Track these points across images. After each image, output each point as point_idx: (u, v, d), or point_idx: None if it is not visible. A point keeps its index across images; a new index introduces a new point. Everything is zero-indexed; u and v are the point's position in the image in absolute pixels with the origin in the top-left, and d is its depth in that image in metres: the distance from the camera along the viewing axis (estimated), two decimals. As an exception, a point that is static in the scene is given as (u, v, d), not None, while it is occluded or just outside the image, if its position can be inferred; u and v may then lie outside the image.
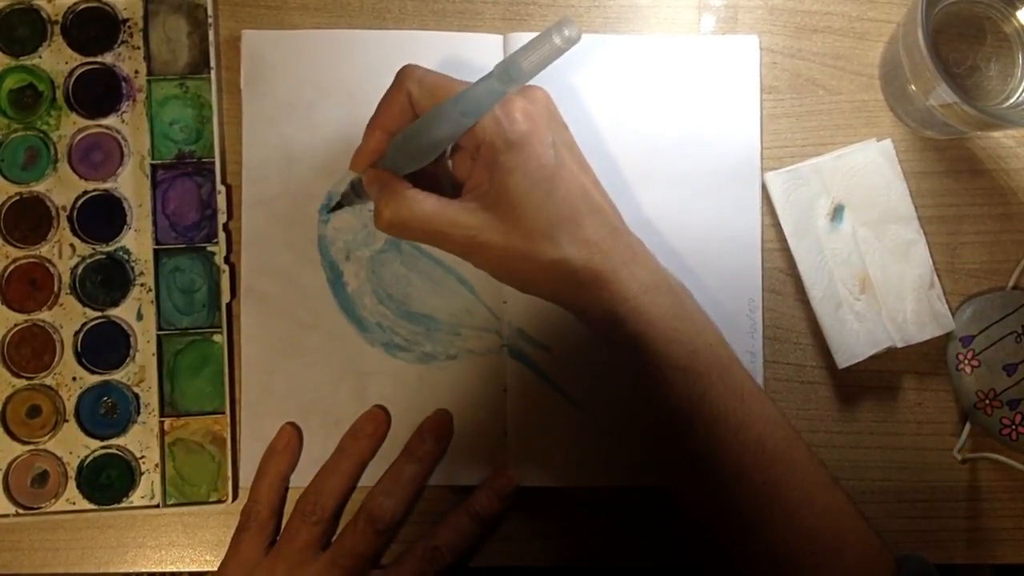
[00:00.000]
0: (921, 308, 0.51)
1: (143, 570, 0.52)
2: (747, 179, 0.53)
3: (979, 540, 0.53)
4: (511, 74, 0.39)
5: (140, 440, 0.52)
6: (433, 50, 0.53)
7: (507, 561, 0.53)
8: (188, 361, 0.52)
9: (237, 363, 0.52)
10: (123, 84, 0.53)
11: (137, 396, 0.52)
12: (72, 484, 0.51)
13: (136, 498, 0.52)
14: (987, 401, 0.51)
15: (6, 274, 0.52)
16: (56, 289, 0.52)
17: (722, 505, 0.44)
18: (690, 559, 0.51)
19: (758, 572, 0.44)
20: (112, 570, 0.52)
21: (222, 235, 0.52)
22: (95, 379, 0.52)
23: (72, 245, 0.52)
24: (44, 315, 0.52)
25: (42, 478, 0.52)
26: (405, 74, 0.43)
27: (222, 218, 0.52)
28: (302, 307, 0.53)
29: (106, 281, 0.52)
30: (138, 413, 0.52)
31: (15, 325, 0.52)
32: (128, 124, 0.53)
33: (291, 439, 0.52)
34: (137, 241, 0.52)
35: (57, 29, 0.52)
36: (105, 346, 0.52)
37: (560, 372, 0.52)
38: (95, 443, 0.52)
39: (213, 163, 0.52)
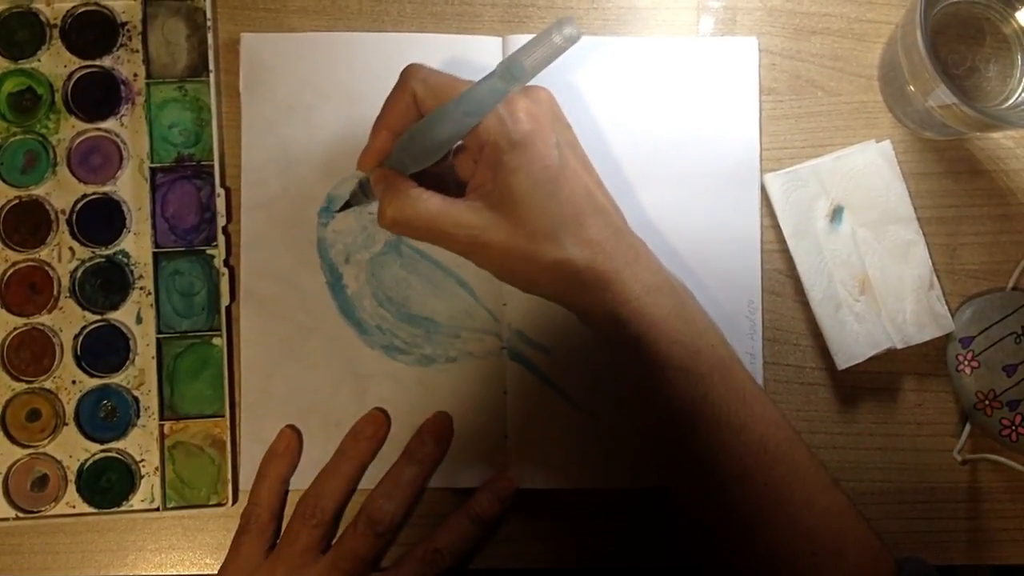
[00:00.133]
0: (921, 309, 0.51)
1: (143, 574, 0.52)
2: (746, 180, 0.53)
3: (979, 541, 0.53)
4: (513, 73, 0.40)
5: (140, 443, 0.52)
6: (432, 52, 0.53)
7: (507, 563, 0.53)
8: (188, 364, 0.52)
9: (237, 366, 0.52)
10: (122, 87, 0.53)
11: (137, 399, 0.52)
12: (72, 488, 0.51)
13: (136, 501, 0.52)
14: (987, 402, 0.51)
15: (5, 278, 0.52)
16: (55, 293, 0.52)
17: (723, 506, 0.44)
18: (690, 560, 0.51)
19: (758, 573, 0.44)
20: (112, 573, 0.52)
21: (221, 238, 0.52)
22: (95, 382, 0.52)
23: (71, 248, 0.52)
24: (44, 319, 0.52)
25: (42, 482, 0.52)
26: (409, 74, 0.43)
27: (221, 221, 0.52)
28: (302, 310, 0.53)
29: (105, 284, 0.52)
30: (138, 416, 0.52)
31: (15, 329, 0.52)
32: (127, 127, 0.53)
33: (291, 442, 0.52)
34: (136, 244, 0.52)
35: (56, 33, 0.52)
36: (105, 349, 0.52)
37: (560, 374, 0.52)
38: (95, 446, 0.52)
39: (212, 166, 0.52)
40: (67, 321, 0.52)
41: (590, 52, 0.53)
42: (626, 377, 0.46)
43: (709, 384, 0.43)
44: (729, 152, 0.53)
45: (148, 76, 0.53)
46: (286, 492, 0.52)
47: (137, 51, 0.53)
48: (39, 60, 0.52)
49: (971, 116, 0.46)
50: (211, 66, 0.52)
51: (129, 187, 0.53)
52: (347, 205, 0.49)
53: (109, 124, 0.53)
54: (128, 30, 0.53)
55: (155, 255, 0.52)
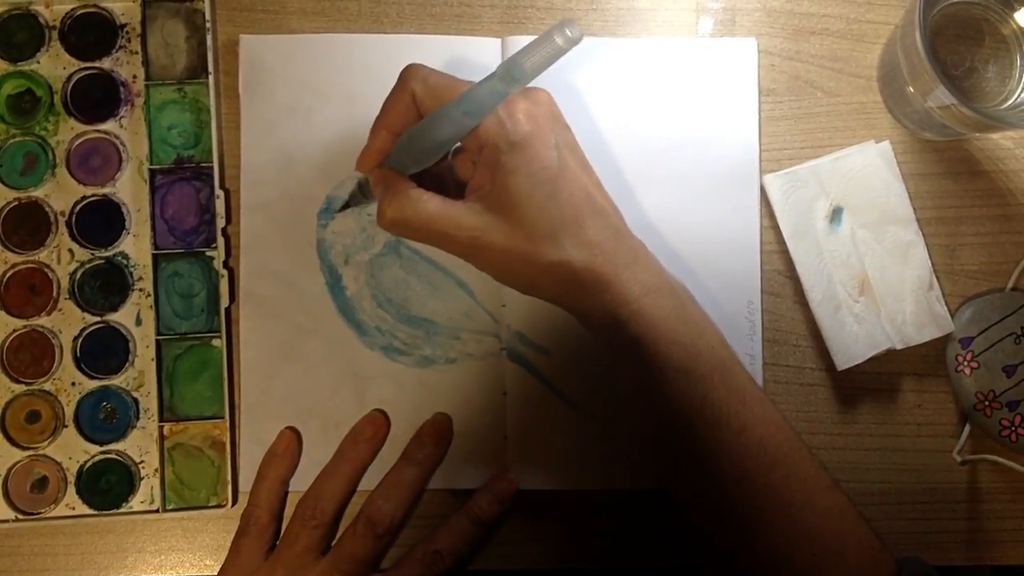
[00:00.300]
0: (920, 310, 0.51)
1: (143, 575, 0.52)
2: (746, 181, 0.53)
3: (979, 541, 0.53)
4: (514, 74, 0.39)
5: (139, 445, 0.52)
6: (431, 54, 0.53)
7: (507, 563, 0.53)
8: (187, 366, 0.52)
9: (236, 367, 0.52)
10: (121, 89, 0.53)
11: (136, 401, 0.52)
12: (71, 489, 0.51)
13: (136, 503, 0.52)
14: (987, 402, 0.51)
15: (5, 279, 0.52)
16: (55, 294, 0.52)
17: (723, 507, 0.44)
18: (690, 560, 0.51)
19: (759, 574, 0.44)
20: (112, 575, 0.52)
21: (221, 239, 0.52)
22: (94, 384, 0.52)
23: (71, 250, 0.52)
24: (43, 320, 0.52)
25: (41, 483, 0.52)
26: (409, 74, 0.43)
27: (221, 222, 0.52)
28: (301, 311, 0.53)
29: (105, 286, 0.52)
30: (137, 418, 0.52)
31: (14, 331, 0.52)
32: (126, 129, 0.53)
33: (290, 443, 0.52)
34: (136, 246, 0.52)
35: (55, 34, 0.52)
36: (104, 351, 0.52)
37: (559, 375, 0.52)
38: (94, 448, 0.52)
39: (211, 167, 0.52)
40: (67, 323, 0.52)
41: (589, 53, 0.53)
42: (626, 378, 0.46)
43: (709, 385, 0.43)
44: (728, 153, 0.53)
45: (147, 78, 0.53)
46: (286, 493, 0.52)
47: (136, 53, 0.53)
48: (38, 62, 0.52)
49: (970, 117, 0.46)
50: (210, 68, 0.52)
51: (128, 189, 0.53)
52: (346, 206, 0.49)
53: (108, 126, 0.53)
54: (127, 32, 0.53)
55: (155, 257, 0.52)
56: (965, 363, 0.52)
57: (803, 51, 0.54)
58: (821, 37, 0.54)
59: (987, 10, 0.52)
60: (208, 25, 0.52)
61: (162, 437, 0.52)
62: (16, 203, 0.52)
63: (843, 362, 0.51)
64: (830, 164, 0.52)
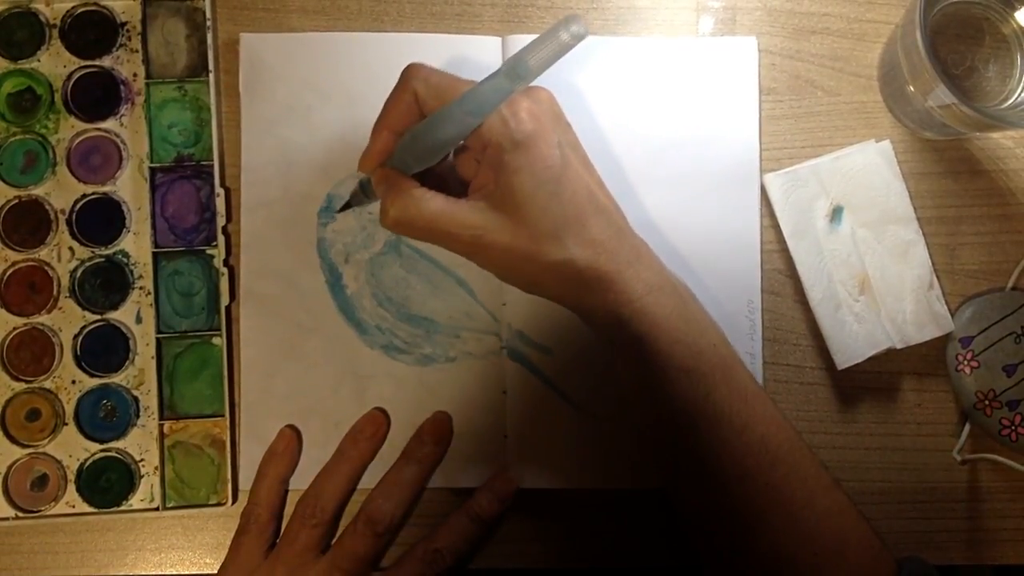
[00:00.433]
0: (920, 309, 0.51)
1: (143, 573, 0.52)
2: (746, 181, 0.53)
3: (979, 541, 0.53)
4: (518, 72, 0.39)
5: (140, 443, 0.52)
6: (432, 52, 0.53)
7: (507, 563, 0.53)
8: (187, 364, 0.52)
9: (236, 366, 0.52)
10: (121, 87, 0.53)
11: (136, 399, 0.52)
12: (72, 487, 0.51)
13: (136, 501, 0.52)
14: (987, 402, 0.51)
15: (5, 277, 0.52)
16: (55, 292, 0.52)
17: (724, 506, 0.44)
18: (690, 560, 0.51)
19: (759, 573, 0.44)
20: (112, 573, 0.52)
21: (221, 238, 0.52)
22: (94, 382, 0.52)
23: (71, 248, 0.52)
24: (43, 318, 0.52)
25: (41, 481, 0.52)
26: (410, 73, 0.42)
27: (221, 221, 0.52)
28: (301, 309, 0.53)
29: (105, 284, 0.52)
30: (137, 416, 0.52)
31: (14, 329, 0.52)
32: (127, 127, 0.53)
33: (291, 441, 0.52)
34: (136, 244, 0.52)
35: (55, 33, 0.52)
36: (104, 349, 0.52)
37: (560, 374, 0.52)
38: (95, 446, 0.52)
39: (212, 166, 0.52)
40: (67, 321, 0.52)
41: (590, 52, 0.53)
42: (627, 376, 0.46)
43: (711, 384, 0.43)
44: (729, 152, 0.53)
45: (148, 76, 0.53)
46: (286, 492, 0.52)
47: (137, 51, 0.53)
48: (39, 60, 0.52)
49: (970, 116, 0.46)
50: (211, 66, 0.52)
51: (129, 187, 0.53)
52: (347, 205, 0.49)
53: (109, 124, 0.53)
54: (127, 30, 0.53)
55: (155, 255, 0.52)
56: (965, 362, 0.52)
57: (804, 50, 0.54)
58: (821, 36, 0.54)
59: (988, 9, 0.52)
60: (208, 23, 0.52)
61: (162, 435, 0.52)
62: (16, 201, 0.52)
63: (843, 361, 0.51)
64: (830, 163, 0.52)
